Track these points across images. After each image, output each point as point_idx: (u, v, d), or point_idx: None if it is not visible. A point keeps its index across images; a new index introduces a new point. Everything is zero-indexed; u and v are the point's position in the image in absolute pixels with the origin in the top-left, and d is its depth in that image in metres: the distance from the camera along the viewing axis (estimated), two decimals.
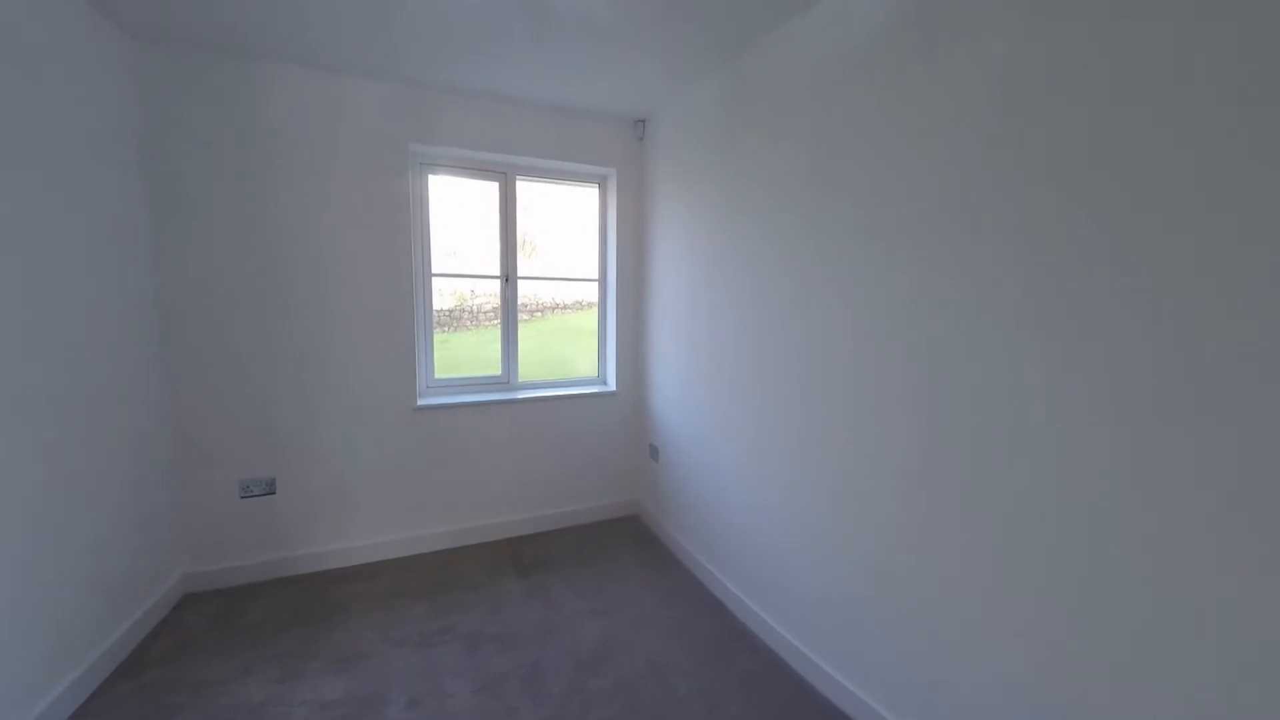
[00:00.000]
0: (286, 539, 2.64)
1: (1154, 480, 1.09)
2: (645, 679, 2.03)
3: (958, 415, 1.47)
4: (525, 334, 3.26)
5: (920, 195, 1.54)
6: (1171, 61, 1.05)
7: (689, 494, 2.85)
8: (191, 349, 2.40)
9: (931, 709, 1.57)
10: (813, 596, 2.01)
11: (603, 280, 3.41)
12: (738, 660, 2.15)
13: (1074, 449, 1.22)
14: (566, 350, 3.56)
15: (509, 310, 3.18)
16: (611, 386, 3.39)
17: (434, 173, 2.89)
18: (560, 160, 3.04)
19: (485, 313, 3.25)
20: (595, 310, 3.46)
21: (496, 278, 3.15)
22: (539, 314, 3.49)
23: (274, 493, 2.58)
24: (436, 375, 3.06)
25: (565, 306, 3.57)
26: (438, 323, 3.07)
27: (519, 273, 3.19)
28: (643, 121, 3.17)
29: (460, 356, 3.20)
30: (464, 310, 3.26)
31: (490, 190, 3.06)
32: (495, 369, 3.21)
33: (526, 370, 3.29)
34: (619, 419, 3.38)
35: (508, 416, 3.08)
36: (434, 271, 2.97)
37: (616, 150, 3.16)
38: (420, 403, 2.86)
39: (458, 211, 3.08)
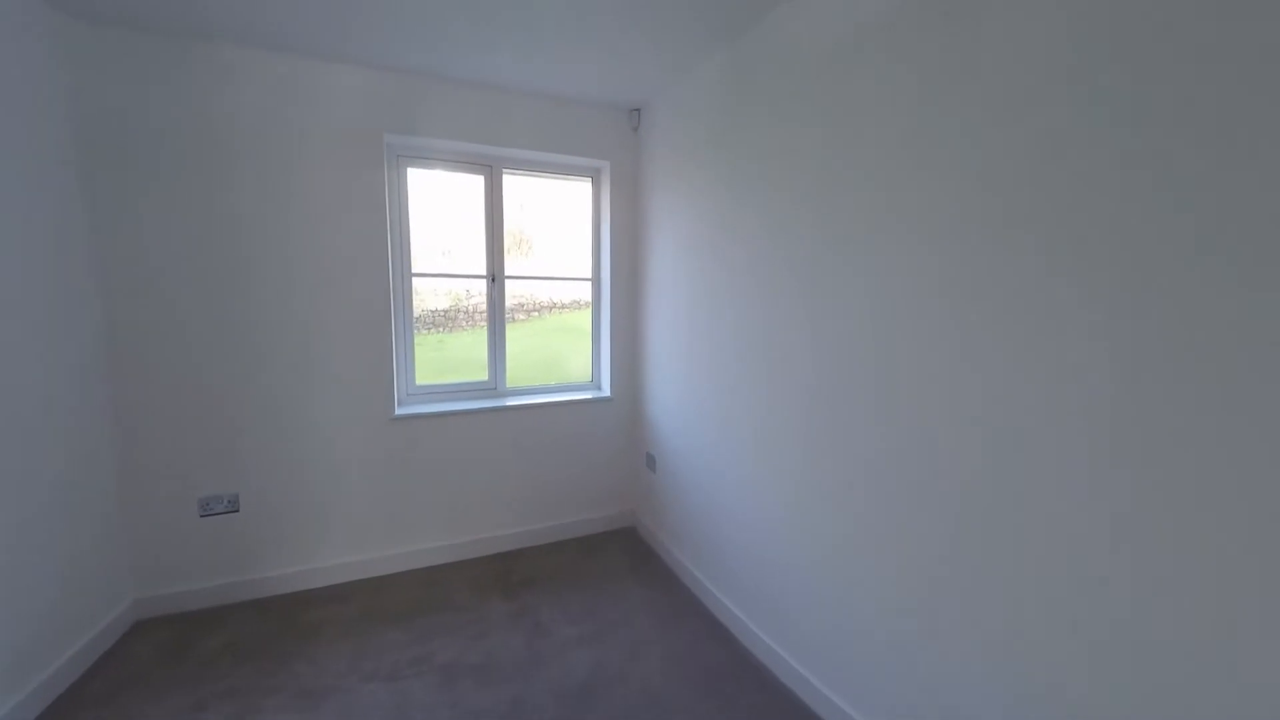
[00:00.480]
0: (251, 560, 2.43)
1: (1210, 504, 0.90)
2: (640, 716, 1.82)
3: (1007, 427, 1.27)
4: (523, 333, 3.09)
5: (945, 182, 1.36)
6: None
7: (688, 507, 2.64)
8: (142, 355, 2.20)
9: None
10: (825, 624, 1.80)
11: (596, 280, 3.22)
12: (743, 694, 1.93)
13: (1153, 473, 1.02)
14: (565, 351, 3.36)
15: (496, 312, 2.99)
16: (606, 392, 3.19)
17: (414, 166, 2.70)
18: (550, 152, 2.86)
19: (481, 313, 3.08)
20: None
21: (482, 277, 2.96)
22: (536, 313, 3.34)
23: (237, 510, 2.38)
24: (419, 381, 2.87)
25: (564, 306, 3.40)
26: (433, 324, 2.88)
27: (507, 272, 3.01)
28: (638, 111, 3.00)
29: (457, 358, 3.01)
30: (460, 310, 3.11)
31: (477, 185, 2.89)
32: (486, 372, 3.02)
33: (523, 371, 3.12)
34: (614, 426, 3.19)
35: (495, 425, 2.88)
36: (414, 271, 2.78)
37: (610, 142, 2.99)
38: (399, 412, 2.66)
39: (452, 208, 2.90)
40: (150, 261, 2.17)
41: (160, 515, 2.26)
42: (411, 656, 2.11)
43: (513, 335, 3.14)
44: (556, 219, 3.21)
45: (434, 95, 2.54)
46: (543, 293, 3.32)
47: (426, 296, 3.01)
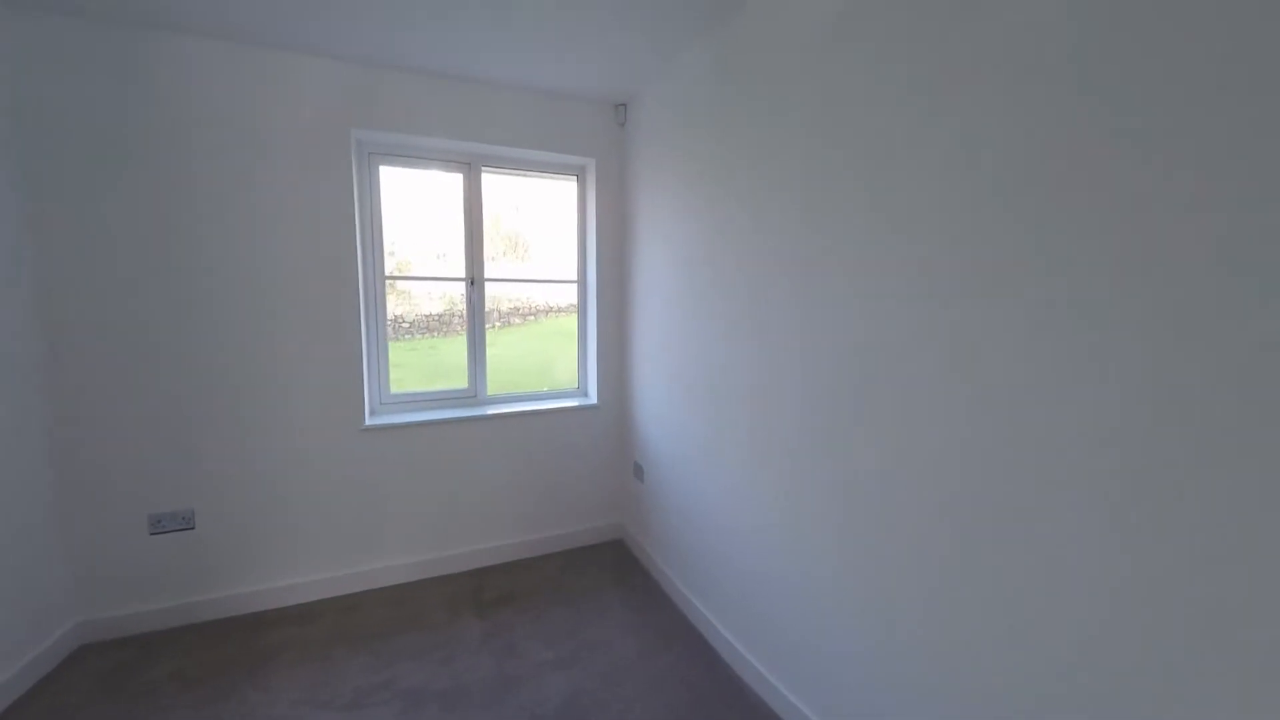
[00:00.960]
0: (209, 579, 2.28)
1: None
2: None
3: (1015, 437, 1.14)
4: (519, 337, 3.01)
5: (947, 171, 1.24)
6: None
7: (675, 519, 2.50)
8: (84, 363, 2.05)
9: None
10: (821, 650, 1.65)
11: (582, 282, 3.10)
12: None
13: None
14: (560, 355, 3.24)
15: (475, 316, 2.87)
16: (593, 399, 3.06)
17: (386, 164, 2.59)
18: (532, 149, 2.75)
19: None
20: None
21: (460, 280, 2.84)
22: (533, 317, 3.25)
23: (192, 527, 2.23)
24: (400, 389, 2.74)
25: (560, 309, 3.29)
26: (427, 328, 2.76)
27: (498, 274, 2.90)
28: (624, 106, 2.90)
29: (450, 364, 2.89)
30: (454, 314, 3.00)
31: (456, 184, 2.78)
32: (496, 372, 2.89)
33: (519, 377, 3.02)
34: (601, 435, 3.05)
35: (474, 434, 2.74)
36: (387, 274, 2.66)
37: (595, 138, 2.88)
38: (370, 422, 2.52)
39: (445, 209, 2.78)
40: (96, 262, 2.03)
41: (105, 533, 2.11)
42: (375, 682, 1.96)
43: (508, 339, 3.06)
44: (552, 221, 3.10)
45: (403, 88, 2.43)
46: (540, 296, 3.21)
47: (422, 301, 2.89)
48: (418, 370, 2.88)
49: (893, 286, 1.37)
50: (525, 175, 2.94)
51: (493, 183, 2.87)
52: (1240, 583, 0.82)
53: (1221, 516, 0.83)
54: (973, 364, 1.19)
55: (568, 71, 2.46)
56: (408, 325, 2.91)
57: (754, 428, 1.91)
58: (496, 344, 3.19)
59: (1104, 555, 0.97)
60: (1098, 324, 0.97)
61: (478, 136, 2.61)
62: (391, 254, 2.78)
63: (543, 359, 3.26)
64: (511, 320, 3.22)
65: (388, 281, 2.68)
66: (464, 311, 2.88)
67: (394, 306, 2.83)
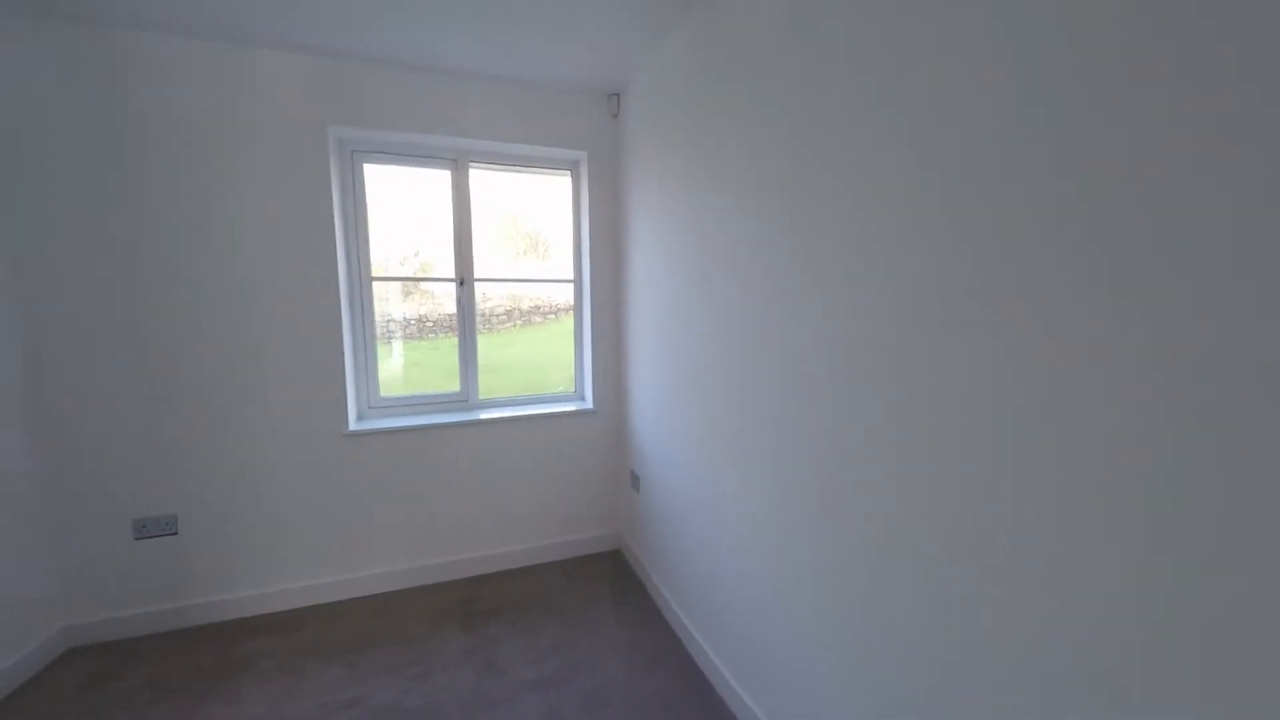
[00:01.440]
0: (192, 585, 2.26)
1: None
2: None
3: (1053, 456, 0.95)
4: (538, 336, 3.02)
5: (918, 158, 1.05)
6: None
7: (667, 532, 2.34)
8: (69, 368, 2.05)
9: None
10: (818, 691, 1.47)
11: (578, 281, 2.98)
12: None
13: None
14: (568, 356, 3.14)
15: (466, 318, 2.78)
16: (589, 404, 2.93)
17: (370, 162, 2.53)
18: (521, 144, 2.65)
19: (495, 316, 3.03)
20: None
21: (450, 280, 2.77)
22: (553, 315, 3.22)
23: (175, 532, 2.21)
24: (392, 393, 2.69)
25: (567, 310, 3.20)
26: (448, 327, 2.73)
27: (488, 274, 2.82)
28: (617, 96, 2.76)
29: (454, 364, 2.83)
30: (476, 313, 2.93)
31: (444, 181, 2.70)
32: (511, 371, 2.87)
33: (531, 375, 3.03)
34: (598, 441, 2.92)
35: (464, 440, 2.66)
36: (374, 276, 2.60)
37: (588, 130, 2.75)
38: (353, 427, 2.46)
39: (478, 210, 2.75)
40: (72, 267, 2.03)
41: (90, 538, 2.11)
42: (346, 699, 1.89)
43: (529, 338, 3.08)
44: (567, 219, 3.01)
45: (383, 82, 2.35)
46: (561, 295, 3.12)
47: (446, 300, 2.85)
48: (439, 370, 2.85)
49: (879, 280, 1.19)
50: (516, 171, 2.84)
51: (508, 181, 2.85)
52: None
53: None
54: (987, 368, 1.00)
55: (557, 59, 2.34)
56: (432, 324, 2.90)
57: (742, 432, 1.74)
58: (517, 343, 3.14)
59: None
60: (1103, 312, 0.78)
61: (463, 131, 2.52)
62: (416, 254, 2.76)
63: (566, 357, 3.16)
64: (532, 319, 3.18)
65: (408, 283, 2.65)
66: (491, 310, 2.85)
67: (418, 306, 2.88)
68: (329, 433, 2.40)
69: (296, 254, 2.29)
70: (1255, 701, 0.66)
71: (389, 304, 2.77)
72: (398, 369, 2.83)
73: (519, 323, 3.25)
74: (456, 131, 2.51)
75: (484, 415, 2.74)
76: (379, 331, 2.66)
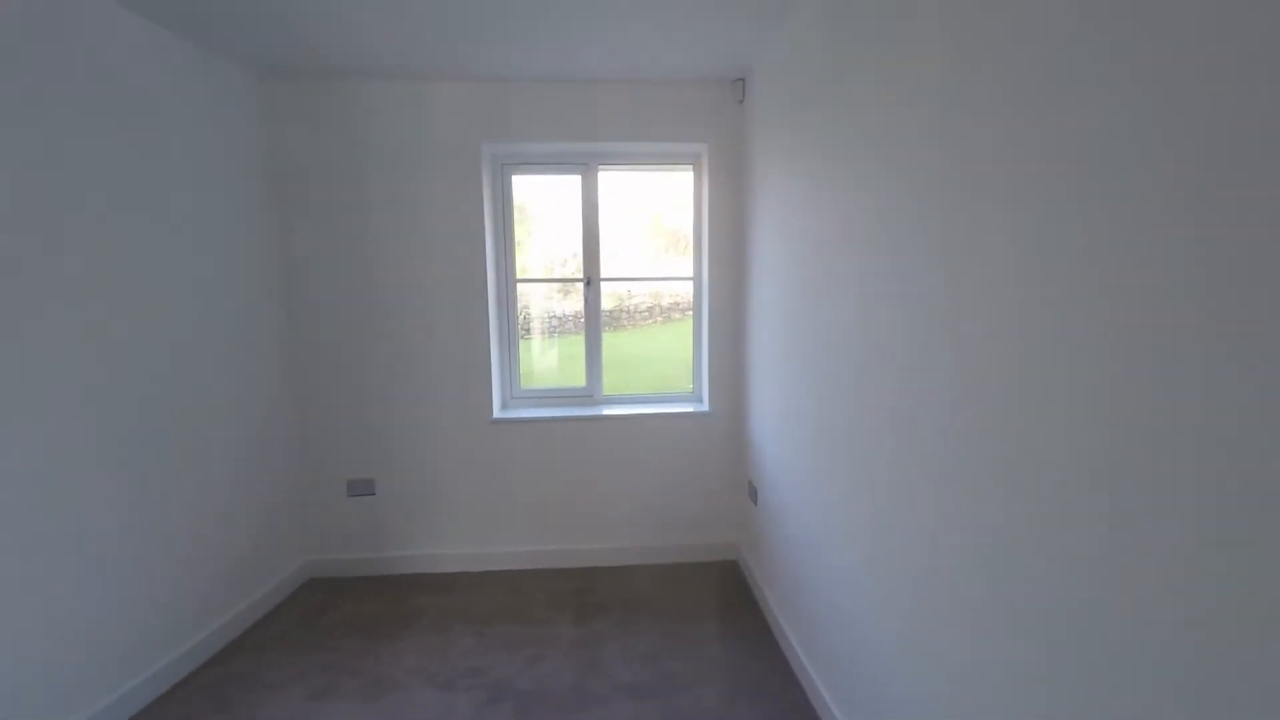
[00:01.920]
0: (383, 539, 2.79)
1: None
2: None
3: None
4: (672, 335, 3.15)
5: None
6: None
7: (785, 552, 2.16)
8: (304, 361, 2.67)
9: None
10: None
11: (697, 278, 2.87)
12: None
13: None
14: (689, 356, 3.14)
15: (592, 316, 2.88)
16: (705, 406, 2.84)
17: (518, 173, 2.78)
18: (644, 141, 2.64)
19: (640, 312, 3.26)
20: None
21: (579, 280, 2.88)
22: (691, 313, 3.19)
23: (374, 494, 2.75)
24: (524, 385, 2.95)
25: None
26: (603, 323, 2.98)
27: (616, 274, 2.92)
28: (741, 81, 2.54)
29: (619, 355, 3.09)
30: (623, 311, 3.23)
31: (574, 185, 2.80)
32: (648, 366, 3.05)
33: (657, 371, 3.19)
34: (714, 445, 2.82)
35: (587, 433, 2.79)
36: (518, 278, 2.86)
37: (709, 121, 2.61)
38: (497, 415, 2.76)
39: (624, 211, 2.95)
40: (311, 282, 2.63)
41: (319, 494, 2.75)
42: (471, 667, 2.14)
43: (665, 336, 3.20)
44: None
45: (524, 96, 2.57)
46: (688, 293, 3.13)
47: (607, 299, 3.08)
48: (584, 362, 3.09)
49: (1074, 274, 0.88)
50: (641, 168, 2.83)
51: (649, 180, 2.96)
52: None
53: None
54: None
55: (677, 49, 2.25)
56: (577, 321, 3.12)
57: (892, 490, 1.50)
58: (657, 339, 3.22)
59: None
60: None
61: (592, 134, 2.61)
62: (575, 255, 2.96)
63: (688, 356, 3.15)
64: (672, 316, 3.22)
65: (566, 284, 2.97)
66: (630, 308, 3.04)
67: (576, 303, 3.03)
68: (479, 419, 2.74)
69: (455, 261, 2.65)
70: None
71: (550, 302, 3.06)
72: (553, 362, 3.11)
73: (659, 319, 3.27)
74: (586, 135, 2.61)
75: (606, 411, 2.84)
76: (540, 328, 3.02)
